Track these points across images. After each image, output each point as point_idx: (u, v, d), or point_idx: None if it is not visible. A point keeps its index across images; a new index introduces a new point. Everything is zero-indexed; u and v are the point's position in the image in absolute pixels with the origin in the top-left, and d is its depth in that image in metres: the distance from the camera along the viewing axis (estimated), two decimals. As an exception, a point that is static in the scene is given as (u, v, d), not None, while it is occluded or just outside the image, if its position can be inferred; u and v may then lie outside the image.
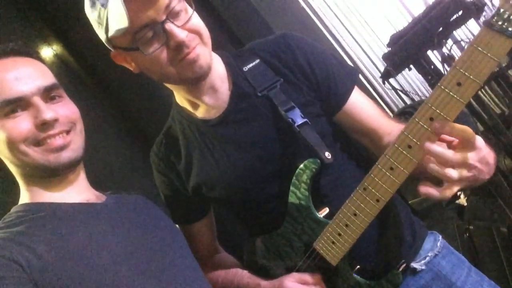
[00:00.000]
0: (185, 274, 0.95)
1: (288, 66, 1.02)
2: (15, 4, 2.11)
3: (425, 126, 0.73)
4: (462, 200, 2.12)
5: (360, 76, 2.37)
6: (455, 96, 0.69)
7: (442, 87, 0.70)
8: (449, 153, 0.73)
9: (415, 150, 0.75)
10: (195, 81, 0.96)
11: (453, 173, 0.74)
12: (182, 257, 0.99)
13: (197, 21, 0.93)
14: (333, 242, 0.94)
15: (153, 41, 0.87)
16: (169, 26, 0.86)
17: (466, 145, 0.74)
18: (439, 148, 0.73)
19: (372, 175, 0.82)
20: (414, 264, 1.04)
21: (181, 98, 1.08)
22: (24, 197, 0.94)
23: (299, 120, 0.95)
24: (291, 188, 0.98)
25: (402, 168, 0.77)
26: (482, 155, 0.75)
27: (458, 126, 0.72)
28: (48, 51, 2.25)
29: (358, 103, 1.04)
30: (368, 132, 1.04)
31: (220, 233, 1.29)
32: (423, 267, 1.04)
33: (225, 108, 1.02)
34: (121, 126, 2.07)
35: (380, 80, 2.18)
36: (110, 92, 2.15)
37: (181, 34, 0.87)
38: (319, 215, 0.97)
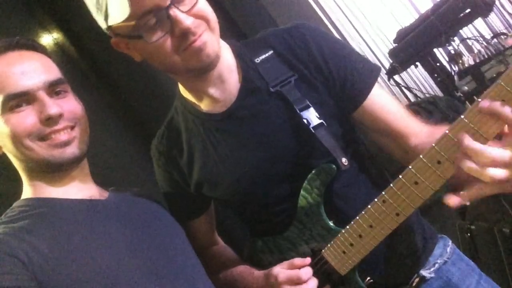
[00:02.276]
0: (187, 271, 0.93)
1: (303, 62, 0.95)
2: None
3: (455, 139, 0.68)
4: (464, 199, 2.10)
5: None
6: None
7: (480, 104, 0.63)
8: (495, 150, 0.64)
9: (445, 167, 0.70)
10: (202, 71, 0.90)
11: (498, 172, 0.64)
12: (184, 254, 0.98)
13: (204, 5, 0.86)
14: (343, 252, 0.91)
15: (156, 28, 0.82)
16: (173, 11, 0.80)
17: None
18: (481, 145, 0.64)
19: (394, 187, 0.78)
20: (423, 272, 1.01)
21: (185, 89, 1.01)
22: (27, 192, 0.92)
23: (315, 121, 0.90)
24: (302, 192, 0.95)
25: (428, 184, 0.73)
26: None
27: None
28: (48, 39, 2.20)
29: (380, 101, 0.96)
30: (391, 132, 0.97)
31: (220, 228, 1.26)
32: (432, 275, 1.02)
33: (233, 102, 0.96)
34: (122, 118, 2.02)
35: (385, 77, 2.14)
36: (111, 83, 2.10)
37: (186, 21, 0.81)
38: (330, 223, 0.95)
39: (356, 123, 1.01)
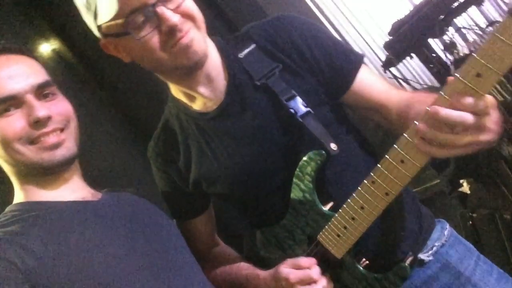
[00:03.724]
0: (183, 269, 0.94)
1: (285, 52, 0.97)
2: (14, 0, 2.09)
3: None
4: (465, 188, 2.10)
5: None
6: (474, 88, 0.65)
7: (460, 78, 0.66)
8: (469, 117, 0.68)
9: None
10: (191, 69, 0.91)
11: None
12: (179, 252, 0.98)
13: (190, 4, 0.88)
14: (338, 235, 0.93)
15: (144, 25, 0.83)
16: (160, 9, 0.82)
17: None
18: (457, 112, 0.67)
19: (381, 167, 0.79)
20: (421, 256, 1.02)
21: (176, 90, 1.03)
22: (19, 196, 0.93)
23: (302, 110, 0.92)
24: (294, 180, 0.96)
25: (414, 162, 0.74)
26: (497, 116, 0.72)
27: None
28: (46, 47, 2.24)
29: (366, 81, 0.99)
30: (378, 108, 1.00)
31: (220, 225, 1.27)
32: (430, 258, 1.02)
33: (222, 100, 0.98)
34: (119, 122, 2.05)
35: (381, 69, 2.15)
36: (109, 87, 2.13)
37: (173, 18, 0.83)
38: (323, 208, 0.96)
39: (344, 104, 1.04)
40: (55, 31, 2.20)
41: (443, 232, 1.07)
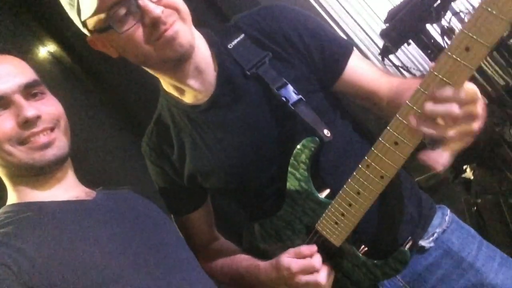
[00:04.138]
0: (180, 266, 0.93)
1: (275, 40, 0.96)
2: (9, 4, 2.09)
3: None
4: (469, 174, 2.08)
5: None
6: (464, 62, 0.63)
7: (449, 53, 0.64)
8: (456, 109, 0.66)
9: None
10: (178, 62, 0.89)
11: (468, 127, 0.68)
12: (176, 249, 0.97)
13: None
14: (336, 223, 0.91)
15: (127, 18, 0.82)
16: (143, 1, 0.81)
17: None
18: (443, 106, 0.66)
19: (375, 150, 0.78)
20: (422, 242, 1.00)
21: (167, 84, 1.02)
22: (12, 197, 0.92)
23: (293, 98, 0.91)
24: (290, 169, 0.95)
25: (407, 142, 0.73)
26: (483, 104, 0.70)
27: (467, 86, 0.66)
28: (42, 50, 2.24)
29: (357, 68, 0.98)
30: (369, 96, 0.98)
31: (218, 219, 1.26)
32: (432, 245, 1.01)
33: (213, 92, 0.97)
34: (116, 120, 2.04)
35: (379, 57, 2.13)
36: (106, 86, 2.12)
37: (156, 10, 0.81)
38: (320, 196, 0.94)
39: (337, 92, 1.02)
40: (50, 33, 2.20)
41: (444, 218, 1.05)
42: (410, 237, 0.93)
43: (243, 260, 1.11)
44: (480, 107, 0.69)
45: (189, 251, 1.02)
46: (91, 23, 0.86)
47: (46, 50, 2.24)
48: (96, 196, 0.98)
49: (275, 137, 0.97)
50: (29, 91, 0.89)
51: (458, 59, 0.62)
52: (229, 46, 0.96)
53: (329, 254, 0.97)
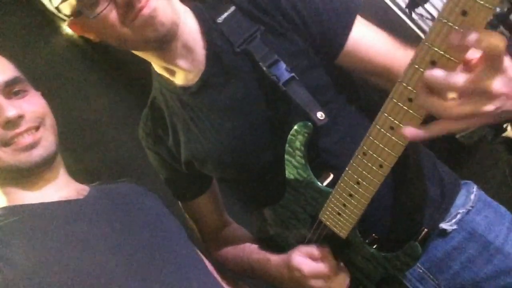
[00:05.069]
0: (176, 266, 0.88)
1: (268, 12, 0.85)
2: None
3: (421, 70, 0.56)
4: (510, 132, 1.90)
5: (384, 8, 2.10)
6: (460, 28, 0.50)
7: (443, 20, 0.51)
8: (460, 78, 0.50)
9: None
10: (161, 42, 0.81)
11: (468, 107, 0.51)
12: (172, 247, 0.93)
13: None
14: (338, 214, 0.83)
15: (97, 1, 0.74)
16: None
17: (490, 65, 0.50)
18: (442, 73, 0.51)
19: (370, 137, 0.67)
20: (443, 225, 0.90)
21: (157, 65, 0.95)
22: (2, 200, 0.89)
23: (285, 76, 0.81)
24: (286, 156, 0.86)
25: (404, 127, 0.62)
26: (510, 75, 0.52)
27: (486, 32, 0.47)
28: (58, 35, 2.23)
29: (363, 39, 0.85)
30: (381, 72, 0.86)
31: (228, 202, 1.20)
32: (454, 227, 0.90)
33: (203, 72, 0.88)
34: (133, 105, 2.01)
35: (406, 11, 1.93)
36: (122, 71, 2.09)
37: None
38: (319, 184, 0.86)
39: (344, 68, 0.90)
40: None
41: (469, 197, 0.94)
42: (424, 228, 0.82)
43: (254, 252, 1.06)
44: (498, 85, 0.50)
45: (189, 247, 0.97)
46: (64, 8, 0.79)
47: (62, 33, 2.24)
48: (88, 194, 0.94)
49: (269, 120, 0.88)
50: (9, 89, 0.85)
51: (454, 26, 0.50)
52: (218, 20, 0.87)
53: (337, 245, 0.89)
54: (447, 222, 0.91)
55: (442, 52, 0.51)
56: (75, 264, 0.77)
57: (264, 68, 0.82)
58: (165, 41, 0.82)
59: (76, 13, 0.78)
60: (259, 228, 1.09)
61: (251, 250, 1.07)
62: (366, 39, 0.85)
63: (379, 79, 0.88)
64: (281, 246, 1.03)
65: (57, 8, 0.80)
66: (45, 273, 0.74)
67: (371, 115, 0.91)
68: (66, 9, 0.78)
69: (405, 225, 0.89)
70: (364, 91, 0.97)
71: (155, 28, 0.77)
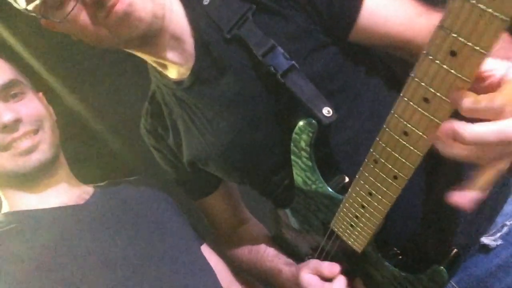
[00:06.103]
0: (176, 273, 0.84)
1: None
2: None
3: (444, 66, 0.41)
4: None
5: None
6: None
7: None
8: (498, 101, 0.40)
9: (436, 103, 0.44)
10: (144, 39, 0.71)
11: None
12: (175, 253, 0.88)
13: None
14: (351, 226, 0.70)
15: (63, 2, 0.66)
16: None
17: None
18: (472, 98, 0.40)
19: (381, 142, 0.54)
20: (485, 240, 0.76)
21: (149, 60, 0.85)
22: (5, 206, 0.89)
23: (284, 65, 0.68)
24: (292, 157, 0.74)
25: (420, 132, 0.48)
26: None
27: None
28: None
29: (378, 9, 0.71)
30: (400, 43, 0.72)
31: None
32: (499, 242, 0.76)
33: (193, 64, 0.77)
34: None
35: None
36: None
37: None
38: (330, 189, 0.73)
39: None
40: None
41: None
42: (455, 249, 0.68)
43: (267, 259, 0.97)
44: None
45: (194, 252, 0.93)
46: (32, 10, 0.70)
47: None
48: (89, 198, 0.91)
49: (270, 116, 0.76)
50: (6, 92, 0.84)
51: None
52: (204, 3, 0.75)
53: (353, 258, 0.77)
54: (491, 236, 0.77)
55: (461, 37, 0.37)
56: (70, 276, 0.75)
57: (260, 58, 0.70)
58: (149, 37, 0.72)
59: (43, 16, 0.70)
60: (274, 228, 0.99)
61: (264, 257, 0.98)
62: (382, 8, 0.71)
63: (399, 51, 0.74)
64: (295, 250, 0.94)
65: (26, 9, 0.72)
66: (40, 283, 0.73)
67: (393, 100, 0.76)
68: (33, 11, 0.70)
69: (433, 240, 0.75)
70: (387, 68, 0.81)
71: (132, 25, 0.67)
